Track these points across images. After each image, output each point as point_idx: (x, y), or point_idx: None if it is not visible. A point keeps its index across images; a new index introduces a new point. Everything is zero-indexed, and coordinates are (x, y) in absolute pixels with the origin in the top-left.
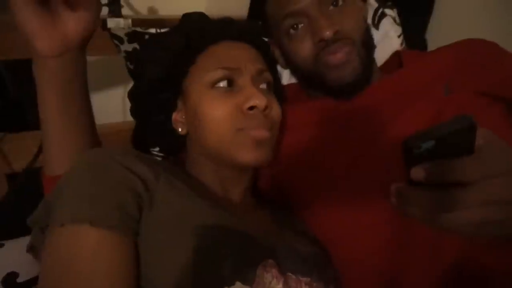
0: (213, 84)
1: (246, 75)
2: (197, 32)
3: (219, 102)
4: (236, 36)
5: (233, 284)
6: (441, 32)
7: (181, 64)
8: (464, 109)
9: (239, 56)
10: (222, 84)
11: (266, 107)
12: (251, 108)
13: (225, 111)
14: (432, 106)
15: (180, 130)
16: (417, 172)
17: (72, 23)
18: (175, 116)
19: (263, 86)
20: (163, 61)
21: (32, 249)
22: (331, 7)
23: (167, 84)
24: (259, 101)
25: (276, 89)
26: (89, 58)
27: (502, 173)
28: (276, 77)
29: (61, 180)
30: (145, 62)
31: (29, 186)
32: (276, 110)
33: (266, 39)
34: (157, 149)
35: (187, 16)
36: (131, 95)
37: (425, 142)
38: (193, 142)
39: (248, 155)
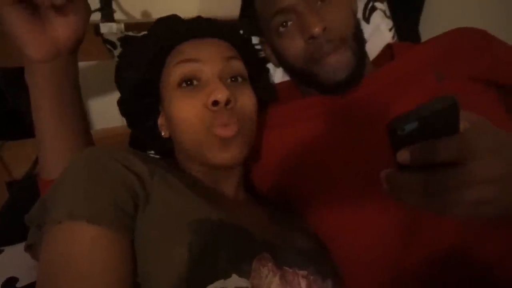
0: (179, 84)
1: (211, 67)
2: (166, 34)
3: (185, 103)
4: (205, 33)
5: (230, 277)
6: (434, 25)
7: (154, 68)
8: (458, 94)
9: (204, 47)
10: (188, 82)
11: (228, 101)
12: (215, 103)
13: (192, 111)
14: (425, 93)
15: (163, 133)
16: (403, 155)
17: (62, 28)
18: (160, 120)
19: (234, 78)
20: (138, 67)
21: (29, 248)
22: (319, 3)
23: (146, 89)
24: (220, 95)
25: (262, 85)
26: (86, 64)
27: (489, 151)
28: (263, 73)
29: (58, 178)
30: (123, 69)
31: (29, 193)
32: (244, 102)
33: (256, 37)
34: (153, 152)
35: (158, 20)
36: (119, 102)
37: (408, 123)
38: (176, 144)
39: (217, 156)
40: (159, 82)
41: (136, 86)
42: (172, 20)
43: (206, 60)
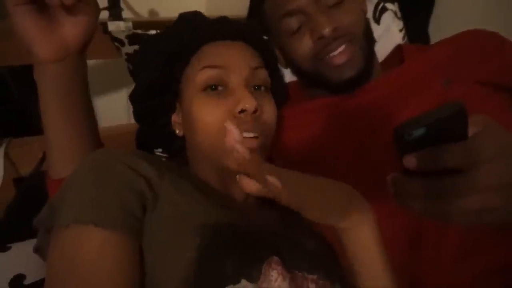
0: (204, 87)
1: (238, 75)
2: (190, 32)
3: (209, 107)
4: (230, 35)
5: (239, 282)
6: (443, 26)
7: (175, 66)
8: (465, 99)
9: (231, 54)
10: (213, 86)
11: (256, 110)
12: (242, 111)
13: (215, 116)
14: (434, 98)
15: (177, 131)
16: (409, 161)
17: (71, 28)
18: (174, 117)
19: (258, 87)
20: (158, 64)
21: (38, 249)
22: (329, 3)
23: (164, 86)
24: (248, 104)
25: (276, 89)
26: (93, 62)
27: (495, 157)
28: (278, 76)
29: (66, 182)
30: (141, 65)
31: (36, 190)
32: (269, 113)
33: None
34: (160, 150)
35: (181, 17)
36: (132, 98)
37: (416, 129)
38: (190, 144)
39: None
40: (178, 78)
41: (154, 82)
42: (194, 19)
43: (234, 68)
